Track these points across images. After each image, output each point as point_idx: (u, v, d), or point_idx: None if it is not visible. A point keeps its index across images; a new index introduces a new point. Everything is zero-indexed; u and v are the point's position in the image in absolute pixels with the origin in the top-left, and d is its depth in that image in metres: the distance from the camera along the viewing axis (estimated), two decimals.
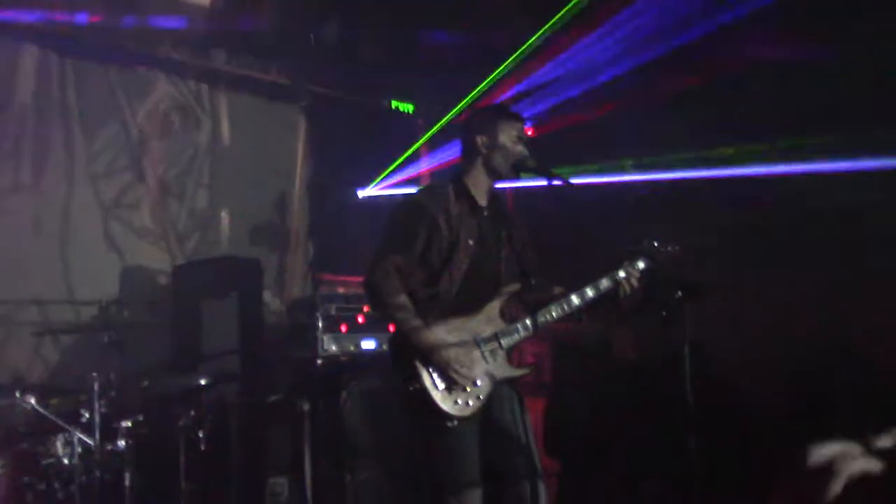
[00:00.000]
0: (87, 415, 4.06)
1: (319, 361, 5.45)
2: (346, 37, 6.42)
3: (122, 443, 4.13)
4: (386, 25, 6.34)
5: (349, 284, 6.52)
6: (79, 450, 3.99)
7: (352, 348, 5.60)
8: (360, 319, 5.68)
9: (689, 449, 3.57)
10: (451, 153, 6.37)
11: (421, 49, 6.62)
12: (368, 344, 5.59)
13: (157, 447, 4.37)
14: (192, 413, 4.51)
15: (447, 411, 3.22)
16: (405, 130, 7.22)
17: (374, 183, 6.84)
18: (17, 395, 3.92)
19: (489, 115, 3.64)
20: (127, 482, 4.11)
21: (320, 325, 5.56)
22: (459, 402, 3.25)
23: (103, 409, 4.06)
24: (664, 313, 3.59)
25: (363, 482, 5.26)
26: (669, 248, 3.57)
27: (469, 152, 3.59)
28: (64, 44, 5.56)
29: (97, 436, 4.00)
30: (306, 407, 5.26)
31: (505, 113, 3.65)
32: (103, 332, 4.30)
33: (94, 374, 4.03)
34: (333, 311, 5.69)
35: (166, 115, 6.11)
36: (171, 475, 4.39)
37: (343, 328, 5.65)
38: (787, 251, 5.06)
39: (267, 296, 5.98)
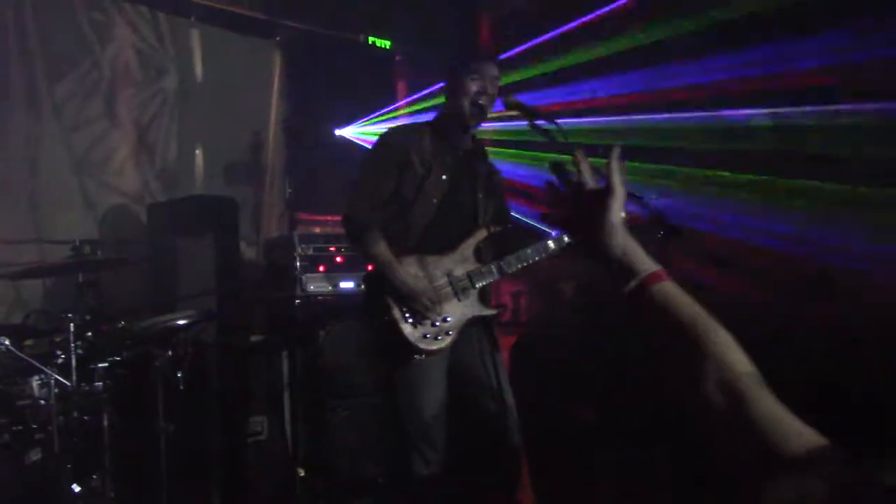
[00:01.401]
0: (63, 356, 4.00)
1: (298, 301, 5.43)
2: None
3: (99, 384, 4.09)
4: None
5: (326, 224, 6.49)
6: (56, 391, 3.94)
7: (330, 288, 5.58)
8: (339, 259, 5.65)
9: (659, 392, 3.60)
10: (429, 91, 6.30)
11: None
12: (347, 284, 5.58)
13: (134, 387, 4.33)
14: (170, 353, 4.47)
15: (415, 343, 3.26)
16: (383, 67, 7.10)
17: (351, 123, 6.74)
18: None
19: (457, 58, 3.61)
20: (105, 423, 4.08)
21: (298, 265, 5.54)
22: (428, 336, 3.29)
23: (80, 351, 4.00)
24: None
25: (343, 420, 5.30)
26: (646, 203, 3.56)
27: (445, 94, 3.59)
28: None
29: (74, 377, 3.95)
30: (284, 347, 5.27)
31: (470, 53, 3.63)
32: (77, 273, 4.22)
33: (70, 315, 3.96)
34: (311, 251, 5.65)
35: (127, 65, 5.91)
36: (149, 415, 4.36)
37: (321, 268, 5.63)
38: None
39: (243, 244, 5.89)
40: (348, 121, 6.74)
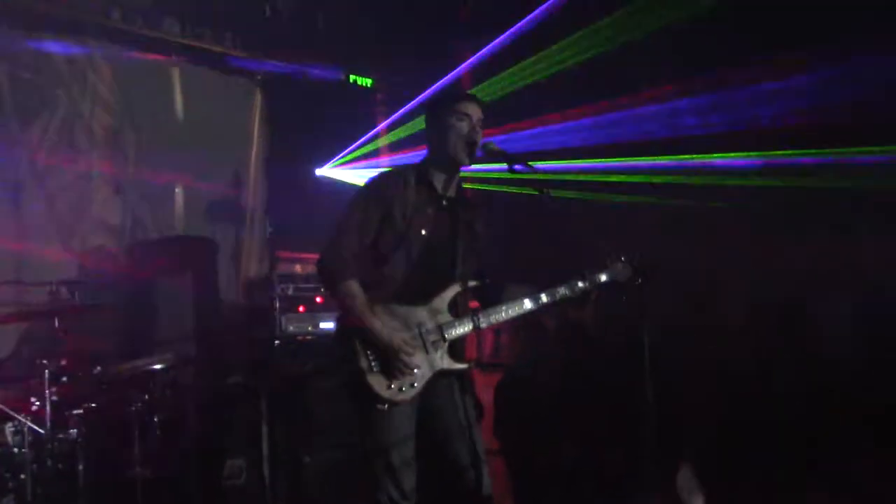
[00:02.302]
0: (37, 403, 3.95)
1: (277, 342, 5.41)
2: (302, 6, 6.32)
3: (73, 431, 4.05)
4: None
5: (306, 262, 6.46)
6: (29, 438, 3.90)
7: (310, 329, 5.56)
8: (319, 300, 5.63)
9: (645, 428, 3.61)
10: (410, 130, 6.31)
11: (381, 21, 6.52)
12: (327, 324, 5.55)
13: (110, 434, 4.29)
14: (147, 398, 4.44)
15: (379, 394, 3.24)
16: (364, 105, 7.13)
17: (332, 162, 6.75)
18: None
19: (439, 99, 3.60)
20: (80, 469, 4.03)
21: (277, 305, 5.51)
22: (393, 386, 3.27)
23: (54, 398, 3.96)
24: (624, 298, 3.62)
25: (322, 462, 5.26)
26: (635, 262, 3.56)
27: (427, 139, 3.56)
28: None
29: (48, 424, 3.90)
30: (263, 388, 5.23)
31: (454, 95, 3.61)
32: (54, 317, 4.19)
33: (45, 362, 3.93)
34: (291, 292, 5.64)
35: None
36: (125, 462, 4.32)
37: (301, 308, 5.61)
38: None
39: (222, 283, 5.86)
40: (329, 160, 6.74)
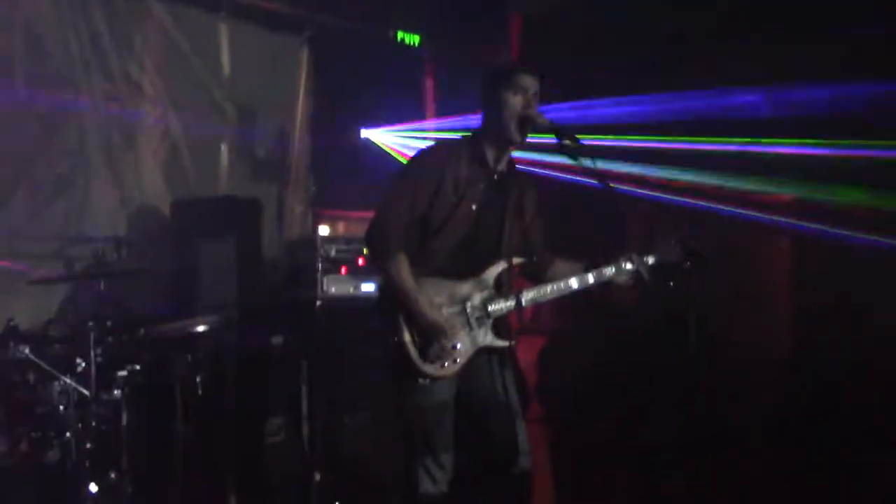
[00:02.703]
0: (83, 364, 4.04)
1: (319, 303, 5.44)
2: None
3: (117, 392, 4.13)
4: None
5: (350, 220, 6.46)
6: (75, 398, 3.99)
7: (352, 290, 5.57)
8: (361, 262, 5.63)
9: (682, 408, 3.59)
10: (458, 95, 6.22)
11: None
12: (368, 287, 5.56)
13: (153, 394, 4.38)
14: (189, 359, 4.52)
15: (421, 369, 3.27)
16: (411, 63, 7.04)
17: (378, 125, 6.69)
18: (12, 344, 3.90)
19: (493, 74, 3.51)
20: (124, 428, 4.13)
21: (320, 266, 5.53)
22: (436, 361, 3.27)
23: (99, 359, 4.03)
24: (671, 283, 3.57)
25: (361, 423, 5.33)
26: (686, 247, 3.49)
27: (482, 111, 3.51)
28: None
29: (93, 385, 3.98)
30: (304, 350, 5.28)
31: (510, 70, 3.51)
32: (99, 280, 4.25)
33: (90, 324, 4.00)
34: (334, 253, 5.64)
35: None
36: (168, 421, 4.41)
37: (343, 270, 5.62)
38: None
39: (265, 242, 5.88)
40: (375, 119, 6.69)
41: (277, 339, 5.33)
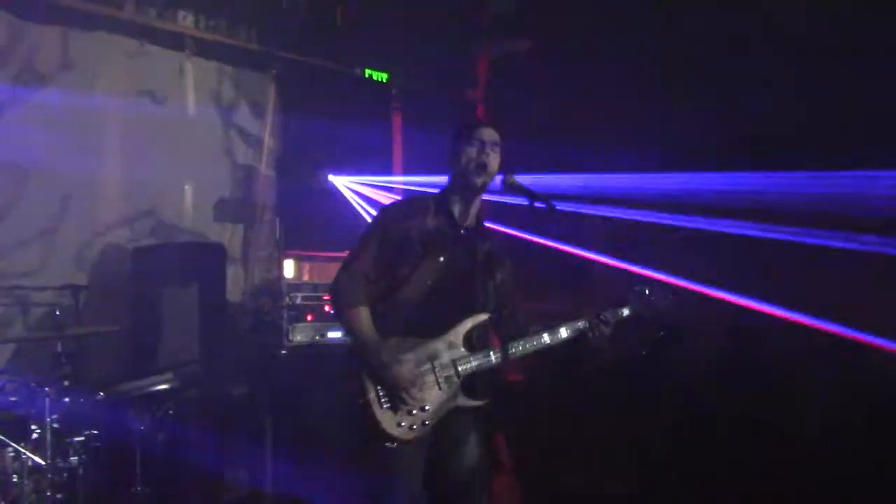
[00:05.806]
0: (38, 431, 3.88)
1: (284, 351, 5.33)
2: None
3: (74, 458, 3.98)
4: None
5: (317, 260, 6.34)
6: (28, 465, 3.83)
7: (318, 338, 5.48)
8: (327, 308, 5.54)
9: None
10: (426, 139, 6.14)
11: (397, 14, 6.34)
12: (335, 334, 5.47)
13: (112, 457, 4.22)
14: (150, 419, 4.37)
15: (388, 432, 3.16)
16: (379, 101, 6.96)
17: (346, 170, 6.61)
18: None
19: (455, 132, 3.50)
20: (80, 500, 3.97)
21: (285, 314, 5.43)
22: (403, 424, 3.19)
23: (55, 425, 3.88)
24: (644, 352, 3.52)
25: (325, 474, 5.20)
26: (660, 299, 3.44)
27: (449, 166, 3.48)
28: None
29: (49, 453, 3.83)
30: (269, 399, 5.17)
31: (469, 126, 3.52)
32: (56, 341, 4.09)
33: (45, 389, 3.84)
34: (299, 300, 5.55)
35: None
36: (127, 484, 4.27)
37: (309, 317, 5.53)
38: None
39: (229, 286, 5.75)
40: (343, 158, 6.58)
41: (241, 390, 5.20)
